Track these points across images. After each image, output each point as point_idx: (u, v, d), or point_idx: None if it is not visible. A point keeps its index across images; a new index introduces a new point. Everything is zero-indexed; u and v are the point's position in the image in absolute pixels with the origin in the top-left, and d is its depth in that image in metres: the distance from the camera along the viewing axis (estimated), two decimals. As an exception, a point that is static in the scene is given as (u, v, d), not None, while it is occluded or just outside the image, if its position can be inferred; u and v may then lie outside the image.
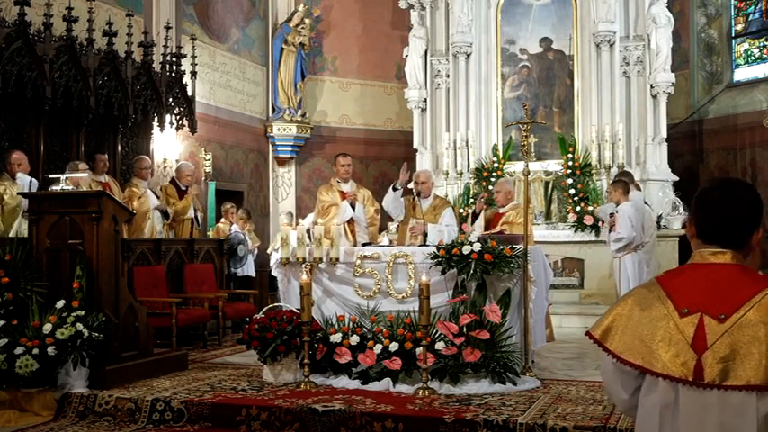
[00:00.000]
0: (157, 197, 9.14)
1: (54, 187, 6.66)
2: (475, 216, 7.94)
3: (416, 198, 7.44)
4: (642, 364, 1.98)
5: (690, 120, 12.75)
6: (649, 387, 2.00)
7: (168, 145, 10.50)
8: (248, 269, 10.50)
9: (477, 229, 7.57)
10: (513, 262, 5.99)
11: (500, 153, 11.56)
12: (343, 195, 7.84)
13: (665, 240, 10.51)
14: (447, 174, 11.63)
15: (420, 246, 6.80)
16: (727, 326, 1.92)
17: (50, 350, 5.56)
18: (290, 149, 13.55)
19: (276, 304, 6.65)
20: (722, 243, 2.04)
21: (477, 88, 11.82)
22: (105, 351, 5.93)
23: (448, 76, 11.97)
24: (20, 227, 7.11)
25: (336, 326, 6.24)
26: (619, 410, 2.21)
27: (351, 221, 7.82)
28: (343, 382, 5.95)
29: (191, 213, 9.32)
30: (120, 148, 9.43)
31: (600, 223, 10.18)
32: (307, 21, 13.44)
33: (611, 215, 8.65)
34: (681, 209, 10.79)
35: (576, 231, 10.80)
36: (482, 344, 5.77)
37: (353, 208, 7.75)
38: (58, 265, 6.09)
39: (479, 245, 6.00)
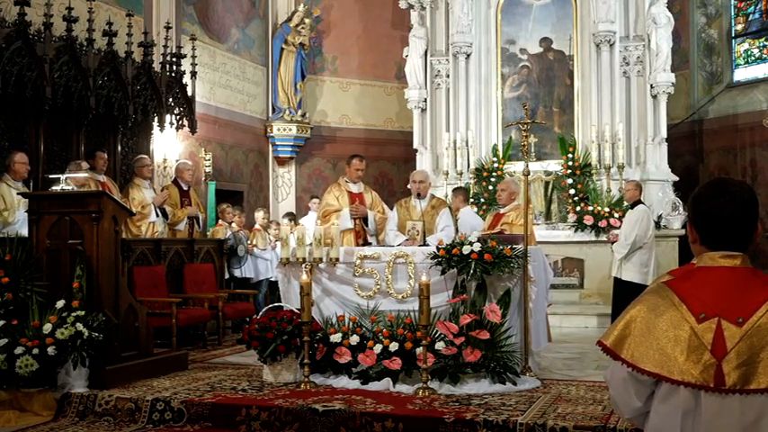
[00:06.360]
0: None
1: (54, 187, 6.65)
2: None
3: (414, 199, 7.42)
4: (660, 372, 1.94)
5: (690, 120, 12.75)
6: (667, 394, 1.96)
7: (168, 145, 10.49)
8: (248, 270, 10.47)
9: None
10: (513, 262, 5.98)
11: (500, 153, 11.56)
12: (352, 197, 7.83)
13: (665, 240, 10.51)
14: (447, 174, 11.63)
15: (419, 246, 6.79)
16: (746, 329, 1.90)
17: (50, 350, 5.56)
18: (290, 149, 13.55)
19: (276, 305, 6.64)
20: (730, 248, 2.03)
21: (477, 88, 11.83)
22: (105, 351, 5.92)
23: (448, 76, 11.97)
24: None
25: (336, 326, 6.23)
26: (624, 417, 2.15)
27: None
28: (343, 382, 5.94)
29: (181, 227, 9.29)
30: (120, 148, 9.42)
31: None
32: (307, 21, 13.44)
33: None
34: (681, 209, 10.79)
35: (575, 231, 10.80)
36: (482, 344, 5.77)
37: (366, 221, 7.74)
38: (58, 265, 6.08)
39: (479, 245, 6.00)
